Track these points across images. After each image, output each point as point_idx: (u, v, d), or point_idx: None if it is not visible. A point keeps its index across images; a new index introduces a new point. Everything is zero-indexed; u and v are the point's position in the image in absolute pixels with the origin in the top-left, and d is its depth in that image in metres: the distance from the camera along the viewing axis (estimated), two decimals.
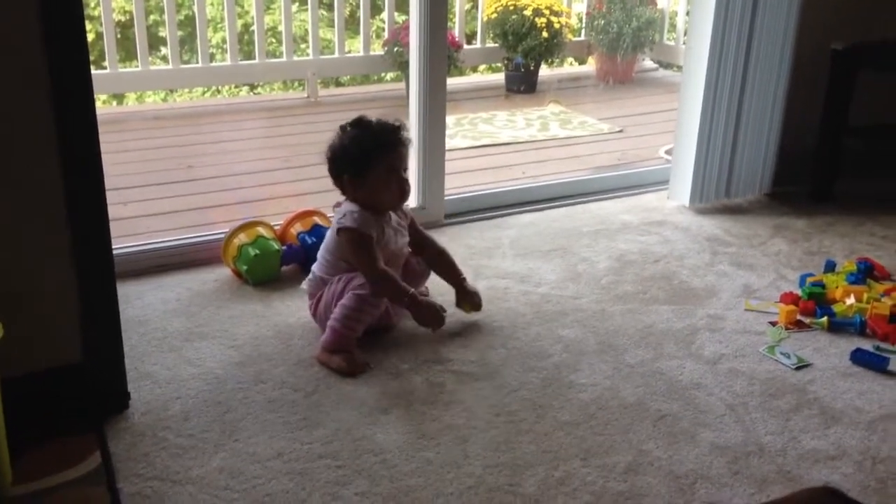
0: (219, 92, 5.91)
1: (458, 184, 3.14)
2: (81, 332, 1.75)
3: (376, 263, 2.04)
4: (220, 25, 5.80)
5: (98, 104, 5.32)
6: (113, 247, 2.48)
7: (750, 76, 2.91)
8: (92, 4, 6.51)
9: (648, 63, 5.35)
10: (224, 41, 4.66)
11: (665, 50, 5.21)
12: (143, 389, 1.91)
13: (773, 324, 2.27)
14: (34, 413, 1.71)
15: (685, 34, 4.99)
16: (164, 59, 4.54)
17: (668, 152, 3.57)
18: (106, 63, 4.17)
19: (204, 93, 5.78)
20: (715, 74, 2.86)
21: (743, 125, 2.97)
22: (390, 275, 2.05)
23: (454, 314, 2.28)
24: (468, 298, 2.25)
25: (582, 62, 5.67)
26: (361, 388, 1.95)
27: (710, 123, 2.92)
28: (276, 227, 2.54)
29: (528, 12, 4.70)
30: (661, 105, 4.63)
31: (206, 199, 3.18)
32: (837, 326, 2.24)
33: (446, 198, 2.89)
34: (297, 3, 5.60)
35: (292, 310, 2.28)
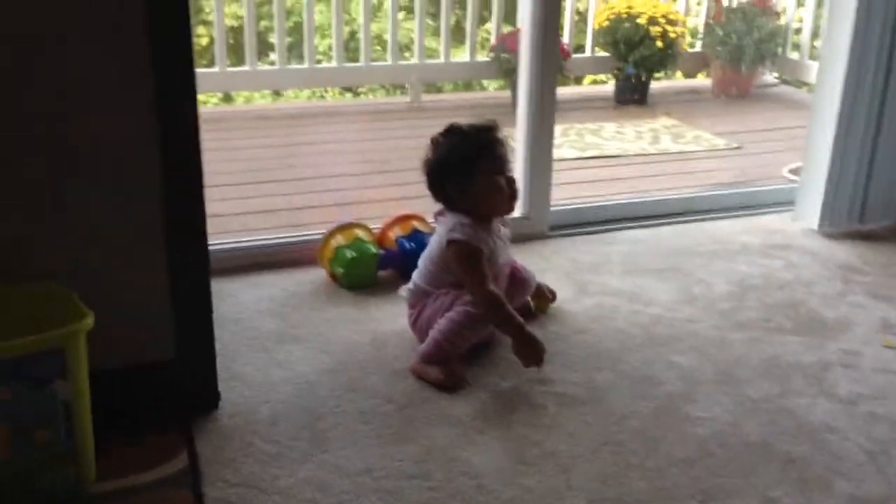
0: (323, 97, 5.94)
1: (564, 195, 2.99)
2: (175, 328, 1.69)
3: (486, 283, 1.90)
4: (327, 32, 5.81)
5: (209, 104, 5.42)
6: (213, 242, 2.48)
7: (891, 95, 2.66)
8: (206, 10, 6.69)
9: (769, 78, 5.06)
10: (331, 48, 4.67)
11: (787, 64, 4.92)
12: (232, 390, 1.84)
13: None
14: (123, 408, 1.65)
15: (810, 48, 4.73)
16: (273, 63, 4.56)
17: (792, 171, 3.33)
18: (217, 64, 4.21)
19: (310, 96, 5.82)
20: (852, 91, 2.62)
21: (881, 146, 2.72)
22: (500, 299, 1.91)
23: (558, 334, 2.14)
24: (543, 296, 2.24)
25: (695, 76, 5.43)
26: (458, 405, 1.82)
27: (844, 143, 2.68)
28: (374, 231, 2.45)
29: (641, 20, 4.51)
30: (782, 122, 4.36)
31: (306, 199, 3.13)
32: None
33: (551, 208, 2.75)
34: (403, 12, 5.57)
35: (389, 316, 2.18)
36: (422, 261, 2.05)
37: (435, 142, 2.00)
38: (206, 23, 6.22)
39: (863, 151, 2.71)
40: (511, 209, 2.05)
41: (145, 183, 1.59)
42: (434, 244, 2.02)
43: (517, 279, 2.11)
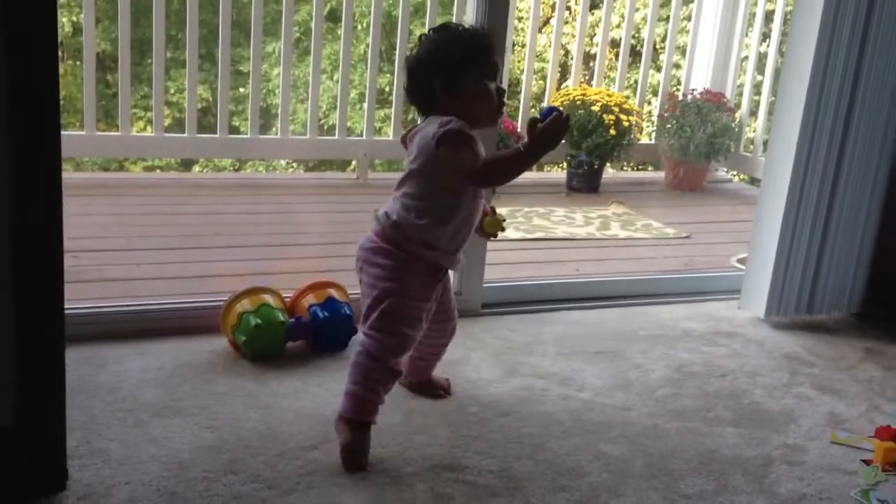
0: (274, 168, 5.82)
1: (504, 274, 2.82)
2: (16, 393, 1.45)
3: (478, 159, 1.71)
4: (293, 118, 5.71)
5: (140, 170, 5.18)
6: (104, 305, 2.26)
7: (840, 186, 2.57)
8: (172, 90, 6.60)
9: (721, 173, 5.03)
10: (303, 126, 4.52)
11: (740, 160, 4.89)
12: (87, 468, 1.59)
13: (867, 462, 1.84)
14: None
15: (764, 145, 4.70)
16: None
17: (740, 261, 3.20)
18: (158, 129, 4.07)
19: (265, 167, 5.68)
20: (800, 179, 2.52)
21: (830, 237, 2.61)
22: (492, 159, 1.78)
23: (478, 416, 1.93)
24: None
25: (648, 168, 5.40)
26: (351, 493, 1.59)
27: (791, 232, 2.57)
28: (286, 298, 2.25)
29: (595, 108, 4.46)
30: (733, 215, 4.27)
31: (229, 266, 2.92)
32: None
33: (485, 285, 2.57)
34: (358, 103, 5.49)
35: (289, 391, 1.96)
36: (396, 189, 1.80)
37: (425, 37, 1.82)
38: (169, 104, 6.21)
39: (812, 242, 2.60)
40: (496, 121, 1.85)
41: None
42: (417, 153, 1.74)
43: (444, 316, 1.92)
